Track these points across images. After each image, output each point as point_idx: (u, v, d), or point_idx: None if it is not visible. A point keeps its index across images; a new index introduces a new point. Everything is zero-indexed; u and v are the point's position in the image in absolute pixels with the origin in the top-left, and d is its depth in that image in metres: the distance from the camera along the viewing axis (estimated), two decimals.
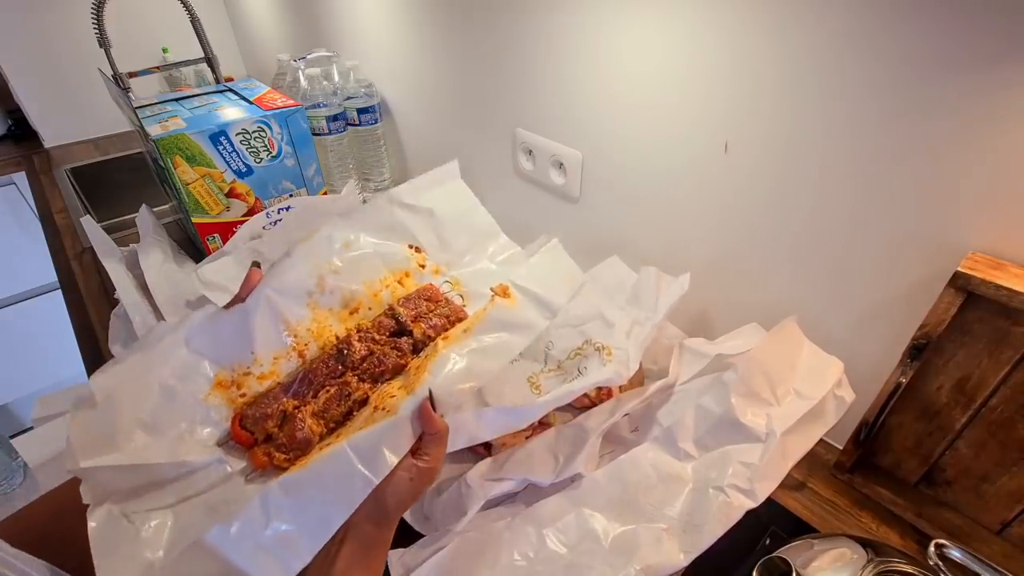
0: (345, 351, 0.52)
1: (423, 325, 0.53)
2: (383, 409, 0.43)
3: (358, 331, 0.54)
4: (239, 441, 0.46)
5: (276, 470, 0.44)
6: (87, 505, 0.39)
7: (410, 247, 0.60)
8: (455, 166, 0.70)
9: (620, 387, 0.64)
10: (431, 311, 0.55)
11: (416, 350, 0.52)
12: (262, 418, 0.47)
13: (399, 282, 0.58)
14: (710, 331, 0.68)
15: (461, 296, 0.59)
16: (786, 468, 0.53)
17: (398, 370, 0.51)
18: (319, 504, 0.38)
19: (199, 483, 0.43)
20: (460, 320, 0.55)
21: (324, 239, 0.56)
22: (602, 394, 0.64)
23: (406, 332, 0.53)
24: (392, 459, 0.39)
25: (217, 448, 0.46)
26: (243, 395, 0.49)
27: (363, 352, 0.52)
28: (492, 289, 0.54)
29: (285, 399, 0.48)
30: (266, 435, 0.46)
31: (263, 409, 0.47)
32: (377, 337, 0.53)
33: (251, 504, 0.37)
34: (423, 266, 0.60)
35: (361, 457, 0.39)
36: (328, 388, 0.50)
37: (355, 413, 0.48)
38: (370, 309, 0.56)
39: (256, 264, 0.51)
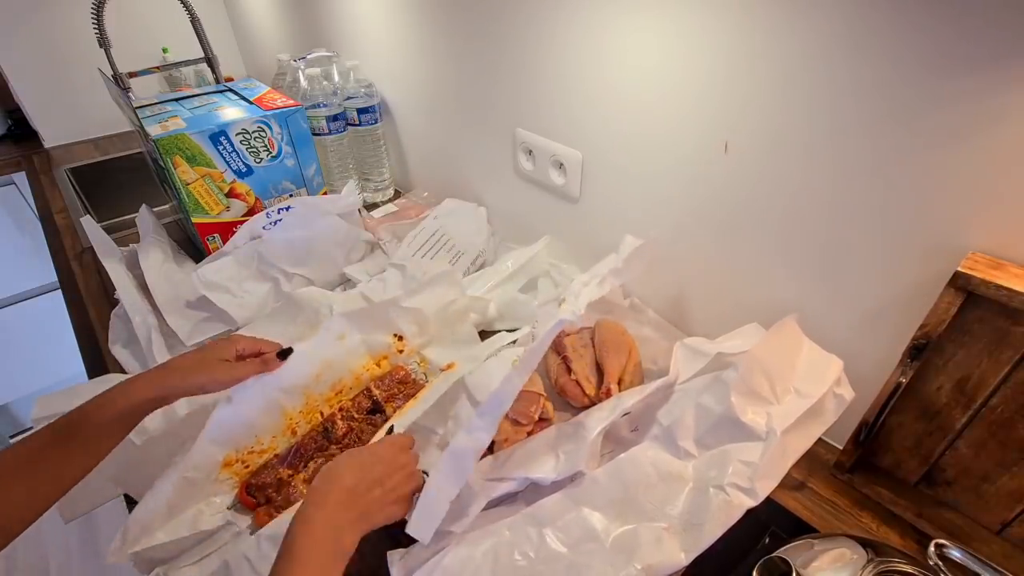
0: (330, 428, 0.64)
1: (394, 404, 0.66)
2: None
3: (340, 410, 0.66)
4: (246, 505, 0.60)
5: None
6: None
7: (395, 335, 0.73)
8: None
9: (618, 381, 0.64)
10: (400, 391, 0.68)
11: (385, 423, 0.65)
12: (264, 487, 0.59)
13: (377, 364, 0.71)
14: (710, 331, 0.68)
15: (425, 374, 0.73)
16: (786, 466, 0.53)
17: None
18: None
19: (217, 541, 0.57)
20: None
21: (324, 331, 0.67)
22: (601, 393, 0.64)
23: (380, 410, 0.66)
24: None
25: (228, 511, 0.59)
26: (247, 468, 0.61)
27: (345, 429, 0.64)
28: (441, 368, 0.71)
29: (281, 469, 0.61)
30: (266, 499, 0.58)
31: (264, 479, 0.60)
32: (356, 416, 0.66)
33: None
34: (402, 351, 0.73)
35: None
36: (316, 459, 0.62)
37: None
38: (351, 388, 0.69)
39: (284, 353, 0.61)
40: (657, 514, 0.52)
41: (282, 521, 0.53)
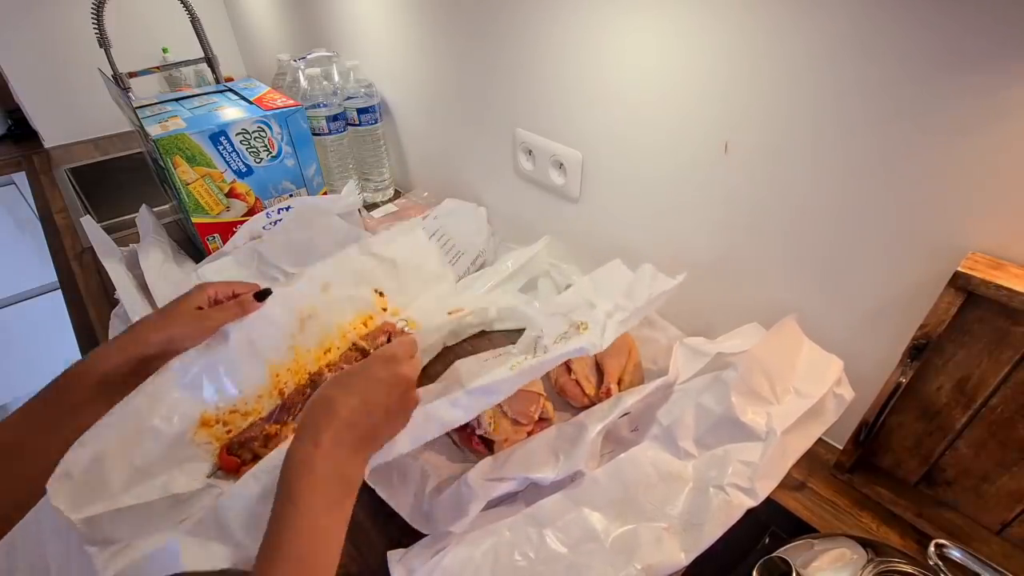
0: (318, 381, 0.61)
1: None
2: None
3: (328, 366, 0.62)
4: (227, 468, 0.52)
5: None
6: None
7: (375, 291, 0.72)
8: (418, 222, 0.85)
9: (619, 382, 0.64)
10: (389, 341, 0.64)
11: None
12: (248, 441, 0.52)
13: (364, 323, 0.70)
14: (710, 331, 0.68)
15: (414, 331, 0.70)
16: (786, 467, 0.53)
17: None
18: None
19: (194, 507, 0.47)
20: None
21: (307, 281, 0.65)
22: (601, 393, 0.64)
23: None
24: None
25: (208, 480, 0.51)
26: (228, 431, 0.55)
27: None
28: (449, 313, 0.70)
29: (267, 426, 0.55)
30: (252, 455, 0.52)
31: (248, 434, 0.53)
32: (345, 367, 0.62)
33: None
34: (385, 309, 0.73)
35: None
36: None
37: None
38: (339, 348, 0.66)
39: (262, 295, 0.57)
40: (657, 514, 0.52)
41: (277, 456, 0.44)
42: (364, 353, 0.65)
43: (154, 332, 0.50)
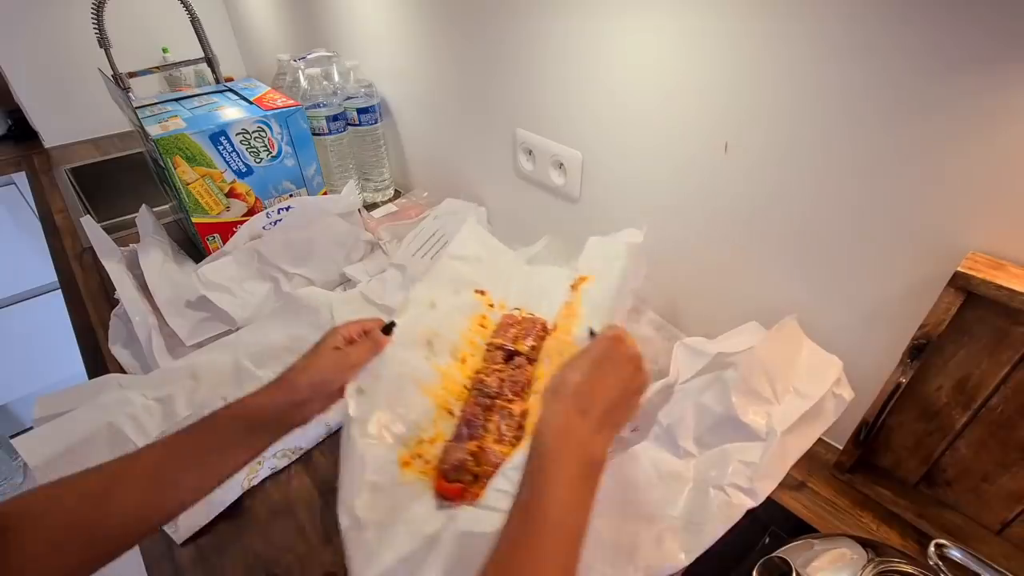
0: (483, 388, 0.62)
1: (524, 343, 0.66)
2: None
3: (477, 372, 0.64)
4: (451, 495, 0.53)
5: None
6: None
7: (476, 291, 0.73)
8: (481, 215, 0.88)
9: None
10: (521, 331, 0.68)
11: (531, 362, 0.65)
12: (459, 464, 0.54)
13: (481, 325, 0.70)
14: (710, 331, 0.68)
15: (532, 315, 0.71)
16: (786, 467, 0.53)
17: (531, 382, 0.63)
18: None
19: (447, 538, 0.47)
20: (545, 328, 0.69)
21: (413, 305, 0.66)
22: None
23: (516, 352, 0.65)
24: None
25: (440, 512, 0.52)
26: (427, 462, 0.56)
27: (497, 382, 0.62)
28: (572, 285, 0.69)
29: (467, 444, 0.56)
30: (472, 476, 0.53)
31: (454, 458, 0.55)
32: (498, 367, 0.64)
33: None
34: (492, 305, 0.73)
35: None
36: (491, 418, 0.59)
37: (524, 425, 0.59)
38: (472, 355, 0.67)
39: (388, 328, 0.58)
40: (657, 514, 0.52)
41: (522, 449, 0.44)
42: (504, 350, 0.65)
43: (303, 376, 0.52)
